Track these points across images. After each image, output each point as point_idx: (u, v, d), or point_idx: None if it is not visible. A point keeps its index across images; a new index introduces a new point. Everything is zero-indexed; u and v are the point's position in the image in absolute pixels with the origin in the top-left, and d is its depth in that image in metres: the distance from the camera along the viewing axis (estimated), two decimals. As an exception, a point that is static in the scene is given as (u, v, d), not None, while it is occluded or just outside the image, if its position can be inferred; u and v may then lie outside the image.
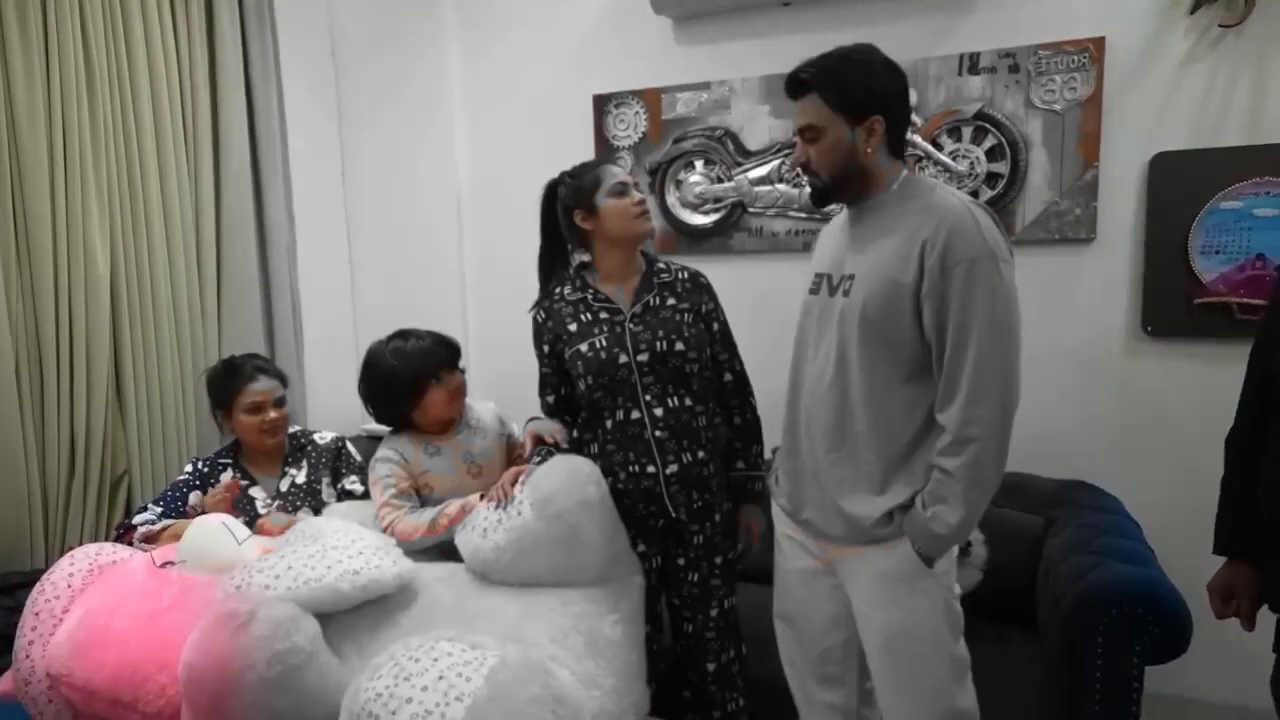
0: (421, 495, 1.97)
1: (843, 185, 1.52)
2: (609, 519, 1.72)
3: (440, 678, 1.33)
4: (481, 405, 2.12)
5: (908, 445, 1.47)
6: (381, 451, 1.98)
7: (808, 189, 2.53)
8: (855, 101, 1.46)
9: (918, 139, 2.43)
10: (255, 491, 2.14)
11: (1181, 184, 2.23)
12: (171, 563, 1.76)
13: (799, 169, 1.57)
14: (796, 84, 1.51)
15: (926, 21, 2.43)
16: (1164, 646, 1.77)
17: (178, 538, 1.85)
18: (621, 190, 1.80)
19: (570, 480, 1.67)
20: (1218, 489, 2.26)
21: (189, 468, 2.16)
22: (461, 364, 2.05)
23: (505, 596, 1.66)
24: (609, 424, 1.82)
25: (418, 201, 3.11)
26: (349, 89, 3.16)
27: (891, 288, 1.44)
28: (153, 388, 2.45)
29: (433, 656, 1.38)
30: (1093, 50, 2.27)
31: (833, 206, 2.53)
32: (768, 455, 1.96)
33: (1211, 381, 2.27)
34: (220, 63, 2.63)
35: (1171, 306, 2.25)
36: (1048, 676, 1.96)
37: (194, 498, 2.10)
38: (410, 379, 1.95)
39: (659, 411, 1.78)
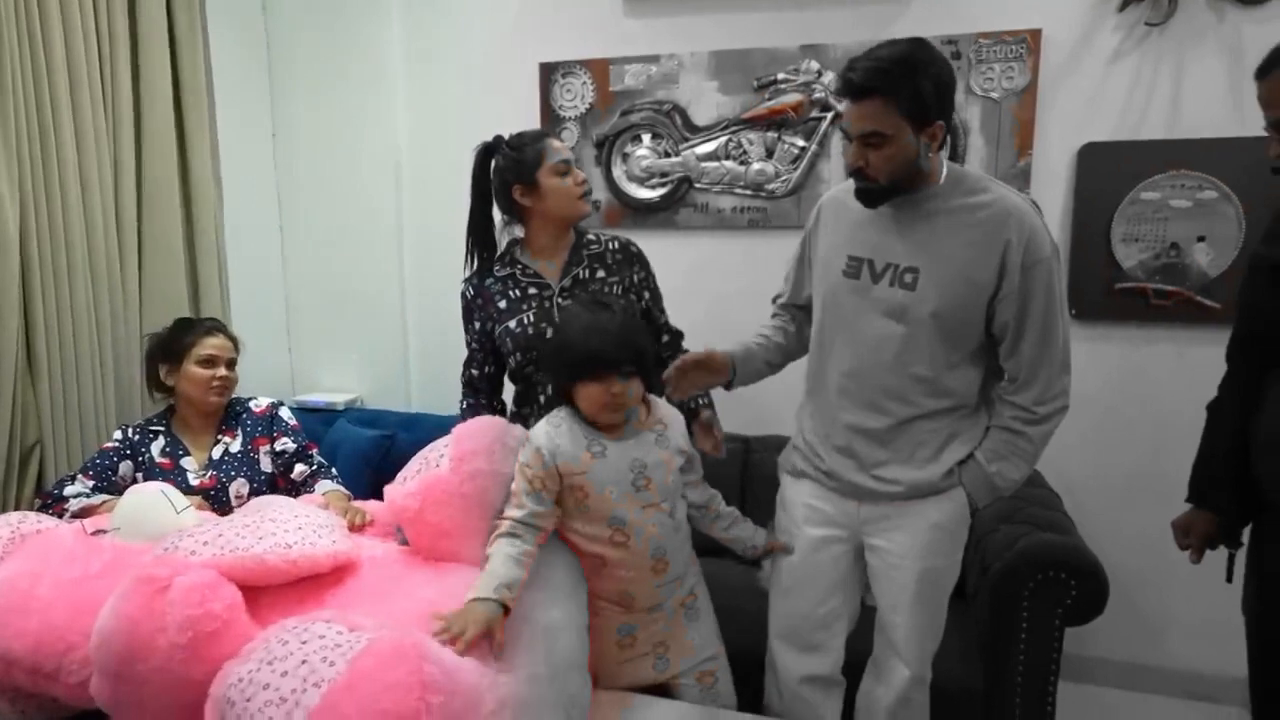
0: (572, 501, 1.57)
1: (899, 188, 1.53)
2: None
3: (304, 662, 1.24)
4: (668, 409, 1.69)
5: (966, 414, 1.62)
6: (541, 426, 1.59)
7: (756, 166, 2.56)
8: (926, 109, 1.44)
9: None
10: (187, 461, 2.05)
11: (1106, 174, 2.35)
12: (104, 531, 1.67)
13: (854, 172, 1.54)
14: (860, 87, 1.45)
15: (875, 6, 2.47)
16: (1084, 608, 1.90)
17: None
18: (565, 169, 1.77)
19: (494, 445, 1.59)
20: (1133, 460, 2.44)
21: (118, 435, 2.06)
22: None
23: (427, 576, 1.57)
24: (541, 399, 1.81)
25: (354, 166, 3.00)
26: (281, 47, 3.02)
27: (969, 287, 1.52)
28: (67, 354, 2.31)
29: (302, 640, 1.29)
30: (1030, 41, 2.35)
31: (775, 185, 2.61)
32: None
33: (1130, 362, 2.42)
34: (141, 13, 2.47)
35: (1094, 291, 2.38)
36: (977, 640, 2.05)
37: (124, 467, 2.00)
38: (585, 359, 1.53)
39: None
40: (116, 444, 2.04)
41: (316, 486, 2.04)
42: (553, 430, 1.56)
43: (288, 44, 3.02)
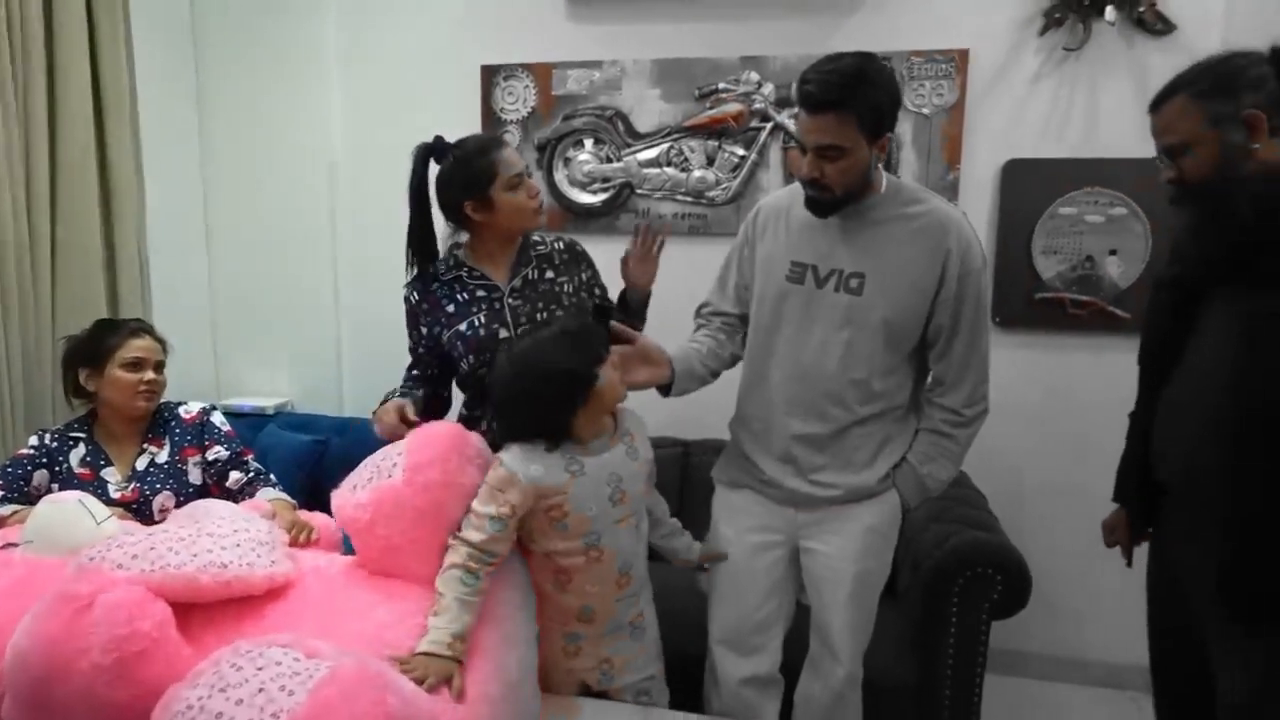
0: (548, 520, 1.52)
1: (851, 197, 1.56)
2: None
3: (260, 690, 1.17)
4: (633, 417, 1.66)
5: (901, 416, 1.68)
6: (507, 454, 1.51)
7: (697, 173, 2.59)
8: (881, 122, 1.49)
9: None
10: (109, 472, 1.95)
11: (1028, 189, 2.47)
12: (14, 544, 1.57)
13: (808, 183, 1.55)
14: (820, 100, 1.46)
15: (816, 19, 2.54)
16: (1009, 602, 2.00)
17: None
18: (518, 183, 1.71)
19: (449, 454, 1.52)
20: (1051, 462, 2.57)
21: (34, 441, 1.94)
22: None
23: (378, 594, 1.50)
24: None
25: (286, 166, 2.91)
26: (209, 43, 2.91)
27: (914, 292, 1.58)
28: (-29, 357, 2.17)
29: (257, 665, 1.22)
30: (958, 60, 2.46)
31: (716, 192, 2.65)
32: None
33: (1047, 369, 2.55)
34: (58, 6, 2.34)
35: (1017, 300, 2.50)
36: (909, 635, 2.12)
37: (39, 477, 1.89)
38: (589, 372, 1.49)
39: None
40: (31, 451, 1.92)
41: (259, 494, 1.96)
42: (528, 457, 1.49)
43: (215, 40, 2.91)
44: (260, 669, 1.20)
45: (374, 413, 1.72)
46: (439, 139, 1.77)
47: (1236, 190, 1.30)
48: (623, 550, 1.56)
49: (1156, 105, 1.42)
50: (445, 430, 1.56)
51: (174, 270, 2.82)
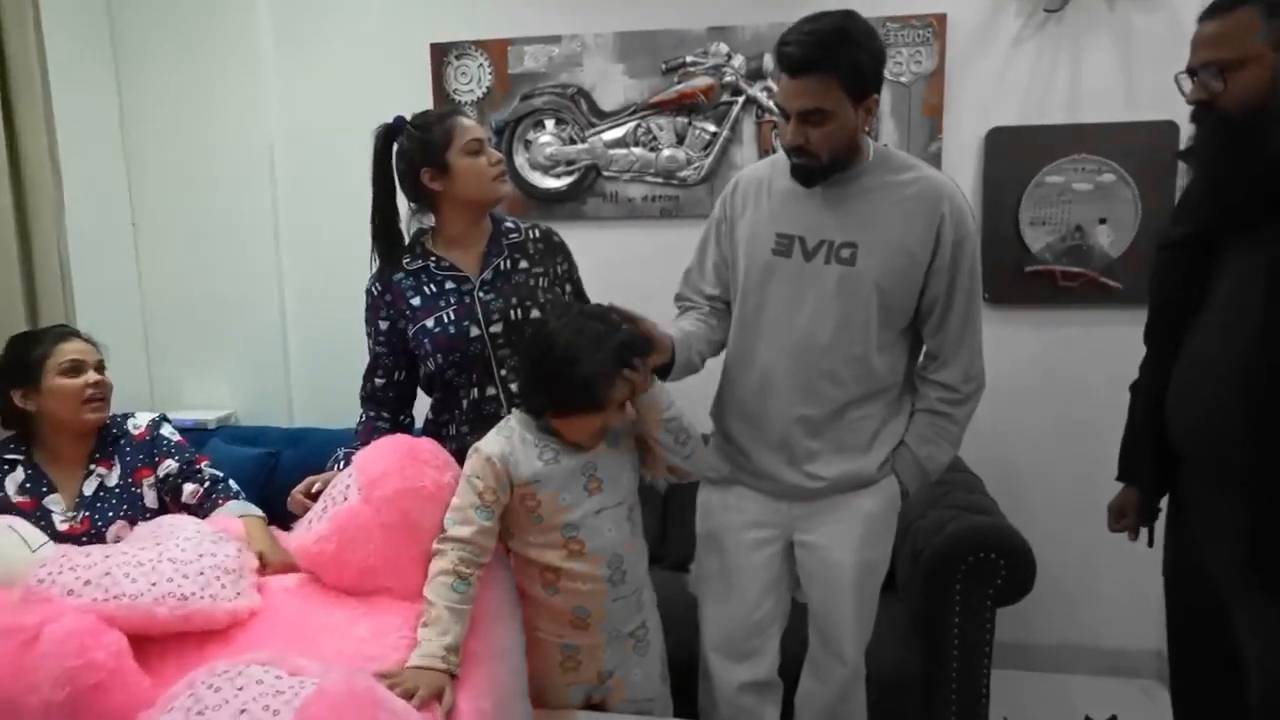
0: (523, 511, 1.48)
1: (838, 164, 1.50)
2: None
3: (242, 711, 1.12)
4: None
5: (898, 396, 1.62)
6: (490, 437, 1.48)
7: (666, 152, 2.48)
8: (865, 82, 1.43)
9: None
10: (52, 500, 1.72)
11: (1013, 158, 2.38)
12: None
13: (793, 151, 1.49)
14: (799, 61, 1.40)
15: (784, -13, 2.42)
16: (1013, 588, 1.94)
17: None
18: (477, 148, 1.64)
19: (403, 462, 1.48)
20: (1048, 443, 2.49)
21: None
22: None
23: (355, 610, 1.44)
24: (464, 404, 1.67)
25: (218, 156, 2.72)
26: (127, 21, 2.70)
27: (908, 259, 1.51)
28: None
29: (237, 686, 1.16)
30: (935, 25, 2.36)
31: (687, 172, 2.52)
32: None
33: (1039, 344, 2.46)
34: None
35: (1005, 274, 2.40)
36: (910, 627, 2.06)
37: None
38: (597, 398, 1.39)
39: (516, 387, 1.63)
40: None
41: (226, 507, 1.75)
42: (504, 440, 1.46)
43: (134, 18, 2.70)
44: (240, 689, 1.15)
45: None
46: (399, 118, 1.69)
47: (1271, 122, 1.23)
48: (605, 541, 1.48)
49: (1215, 12, 1.31)
50: (391, 442, 1.52)
51: (97, 273, 2.60)
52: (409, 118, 1.69)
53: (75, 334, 1.83)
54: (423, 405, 1.81)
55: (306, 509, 1.56)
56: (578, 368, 1.35)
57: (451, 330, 1.64)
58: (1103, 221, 2.36)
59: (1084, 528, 2.43)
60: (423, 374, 1.72)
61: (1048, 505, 2.48)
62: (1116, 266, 2.36)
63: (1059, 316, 2.44)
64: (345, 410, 1.81)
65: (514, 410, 1.53)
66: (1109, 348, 2.37)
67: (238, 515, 1.72)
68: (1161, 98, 2.28)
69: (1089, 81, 2.35)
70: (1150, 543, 1.64)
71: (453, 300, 1.66)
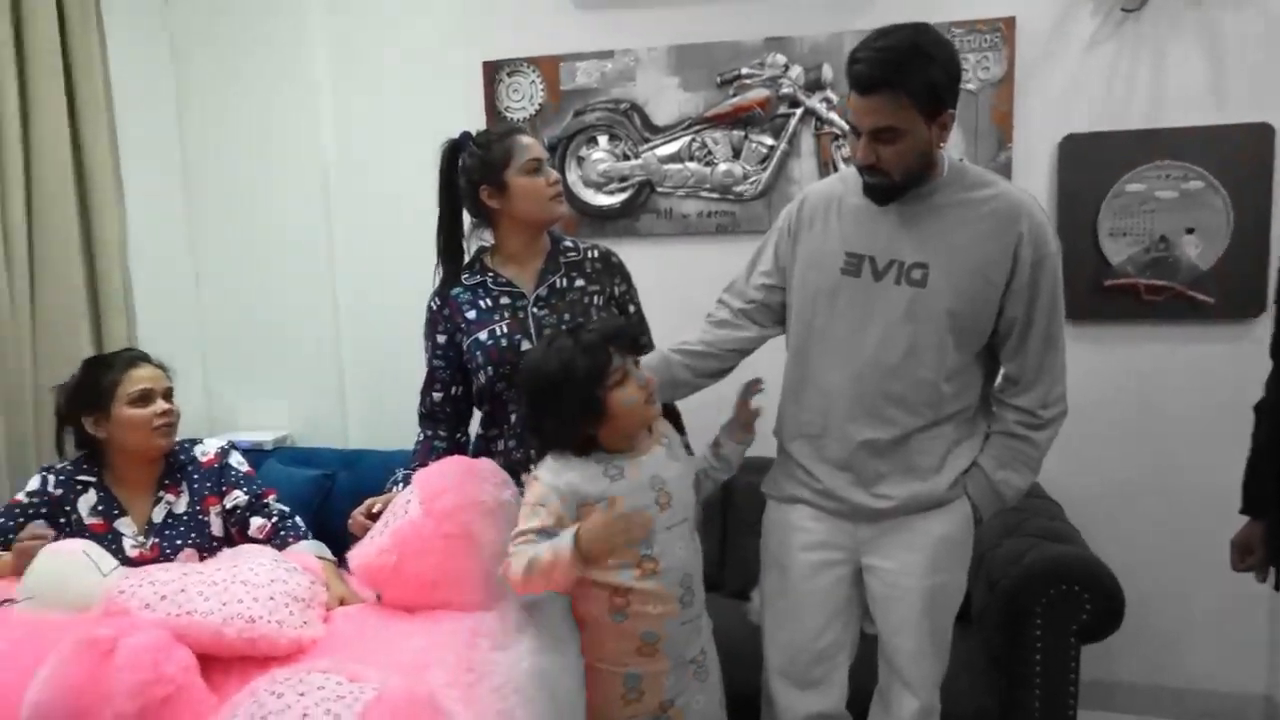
0: None
1: (912, 182, 1.46)
2: (511, 522, 1.51)
3: (304, 716, 1.15)
4: (662, 421, 1.63)
5: (969, 418, 1.55)
6: (541, 469, 1.48)
7: (722, 167, 2.43)
8: (939, 99, 1.38)
9: (834, 116, 2.36)
10: (123, 523, 1.73)
11: (1089, 166, 2.25)
12: (12, 600, 1.48)
13: (864, 169, 1.45)
14: (870, 79, 1.37)
15: (843, -5, 2.35)
16: (1100, 623, 1.83)
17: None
18: (536, 167, 1.65)
19: (464, 476, 1.54)
20: (1129, 468, 2.34)
21: (34, 485, 1.74)
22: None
23: (411, 626, 1.47)
24: (513, 418, 1.69)
25: (274, 177, 2.75)
26: (186, 46, 2.76)
27: (983, 281, 1.46)
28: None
29: (299, 691, 1.19)
30: (1004, 29, 2.25)
31: (744, 187, 2.45)
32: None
33: (1120, 361, 2.32)
34: (27, 17, 2.20)
35: (1083, 289, 2.26)
36: (988, 663, 1.96)
37: (40, 526, 1.69)
38: (596, 371, 1.41)
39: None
40: (28, 499, 1.72)
41: (300, 546, 1.75)
42: (561, 465, 1.45)
43: (193, 43, 2.76)
44: (302, 694, 1.18)
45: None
46: (465, 134, 1.72)
47: None
48: (677, 559, 1.49)
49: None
50: (451, 461, 1.58)
51: (157, 297, 2.65)
52: (474, 133, 1.71)
53: (146, 359, 1.85)
54: (473, 422, 1.79)
55: (367, 530, 1.57)
56: (558, 379, 1.40)
57: (504, 343, 1.65)
58: (1190, 231, 2.21)
59: (1174, 558, 2.28)
60: (475, 388, 1.73)
61: (1131, 534, 2.32)
62: (1207, 279, 2.20)
63: (1143, 332, 2.29)
64: (400, 432, 1.80)
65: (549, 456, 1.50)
66: (1200, 365, 2.23)
67: (314, 555, 1.73)
68: (1256, 99, 2.14)
69: (1173, 84, 2.21)
70: (1278, 585, 1.51)
71: (507, 315, 1.68)
